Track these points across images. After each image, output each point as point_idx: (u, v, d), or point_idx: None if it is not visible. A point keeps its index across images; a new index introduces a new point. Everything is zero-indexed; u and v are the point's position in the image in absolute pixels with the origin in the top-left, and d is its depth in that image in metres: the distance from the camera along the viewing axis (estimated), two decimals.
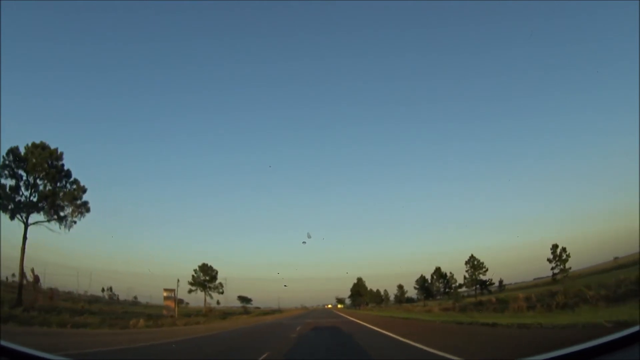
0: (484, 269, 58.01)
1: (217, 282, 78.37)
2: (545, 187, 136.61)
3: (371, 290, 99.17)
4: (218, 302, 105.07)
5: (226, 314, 77.93)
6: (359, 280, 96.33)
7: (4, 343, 3.31)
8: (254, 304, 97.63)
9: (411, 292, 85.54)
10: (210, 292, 77.84)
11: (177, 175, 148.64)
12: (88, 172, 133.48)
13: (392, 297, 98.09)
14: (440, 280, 65.85)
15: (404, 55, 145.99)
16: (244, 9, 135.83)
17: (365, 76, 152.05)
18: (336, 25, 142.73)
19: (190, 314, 65.38)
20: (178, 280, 52.05)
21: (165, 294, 54.88)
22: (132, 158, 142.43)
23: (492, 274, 56.92)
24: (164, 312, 52.99)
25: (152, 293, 78.37)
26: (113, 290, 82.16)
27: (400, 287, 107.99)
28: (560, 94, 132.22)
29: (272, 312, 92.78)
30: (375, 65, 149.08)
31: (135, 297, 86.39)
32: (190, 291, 77.46)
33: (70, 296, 65.07)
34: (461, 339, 11.96)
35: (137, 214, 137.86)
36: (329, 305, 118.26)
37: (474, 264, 58.16)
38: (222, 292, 78.46)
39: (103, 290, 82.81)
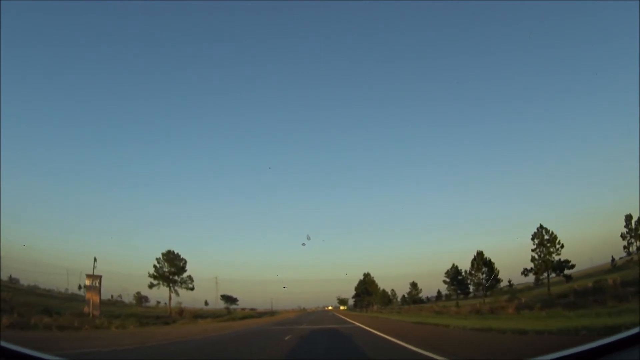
0: (559, 245, 40.32)
1: (186, 275, 61.12)
2: (543, 189, 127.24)
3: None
4: (206, 303, 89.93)
5: (198, 316, 60.71)
6: (367, 276, 78.84)
7: (4, 344, 3.31)
8: (248, 305, 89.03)
9: (430, 288, 71.70)
10: (176, 287, 60.61)
11: (174, 178, 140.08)
12: (86, 174, 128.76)
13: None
14: (482, 270, 48.09)
15: (404, 58, 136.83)
16: (242, 11, 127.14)
17: (369, 76, 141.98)
18: (335, 28, 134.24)
19: (145, 316, 48.44)
20: (95, 260, 34.52)
21: (87, 281, 37.23)
22: (130, 160, 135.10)
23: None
24: (85, 309, 35.76)
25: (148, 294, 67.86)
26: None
27: (414, 285, 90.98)
28: (561, 95, 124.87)
29: (259, 315, 74.92)
30: (379, 68, 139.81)
31: (120, 296, 77.08)
32: (151, 286, 60.14)
33: (48, 294, 59.70)
34: None
35: (136, 217, 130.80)
36: (330, 307, 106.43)
37: (543, 240, 40.46)
38: (192, 288, 61.15)
39: (80, 287, 71.26)
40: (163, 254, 60.61)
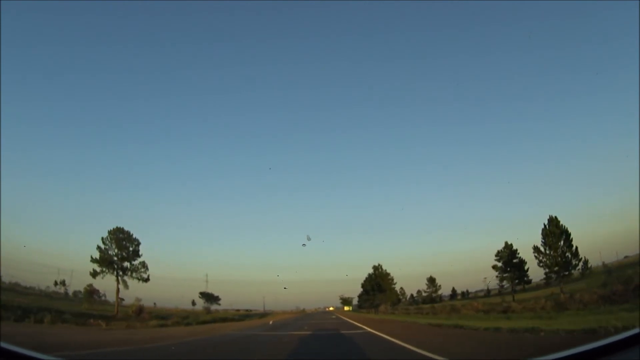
0: None
1: (139, 261, 45.81)
2: (543, 189, 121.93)
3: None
4: (194, 303, 76.02)
5: (159, 318, 45.82)
6: (377, 269, 63.42)
7: (4, 345, 3.24)
8: (244, 306, 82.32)
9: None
10: (126, 277, 45.34)
11: (175, 178, 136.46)
12: (86, 174, 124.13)
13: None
14: (562, 245, 32.11)
15: (404, 58, 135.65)
16: (242, 11, 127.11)
17: (369, 76, 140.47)
18: (335, 28, 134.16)
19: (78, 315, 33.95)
20: None
21: None
22: (129, 160, 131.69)
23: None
24: None
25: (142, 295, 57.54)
26: (66, 284, 65.51)
27: (432, 280, 75.96)
28: (561, 95, 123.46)
29: (242, 317, 59.66)
30: (379, 68, 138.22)
31: (105, 295, 66.41)
32: (94, 274, 44.70)
33: (26, 291, 55.74)
34: None
35: (135, 217, 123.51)
36: (331, 308, 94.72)
37: None
38: (147, 279, 45.68)
39: (56, 284, 66.05)
40: (110, 232, 45.49)
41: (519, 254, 38.65)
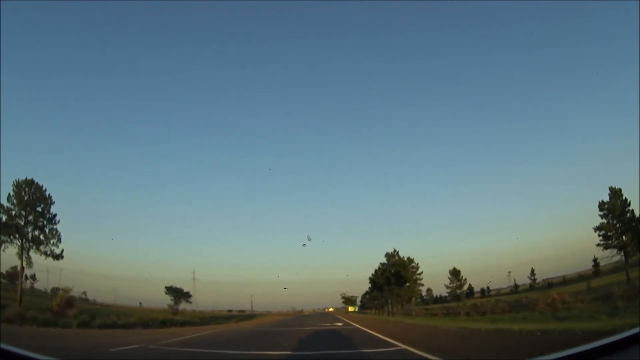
0: None
1: (52, 227, 31.13)
2: (543, 189, 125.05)
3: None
4: (174, 300, 62.70)
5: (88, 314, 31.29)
6: (393, 256, 49.20)
7: (4, 345, 3.24)
8: (238, 307, 77.19)
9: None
10: (36, 249, 30.72)
11: (175, 179, 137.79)
12: (85, 175, 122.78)
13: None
14: None
15: (404, 58, 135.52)
16: (242, 11, 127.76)
17: (369, 76, 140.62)
18: (335, 28, 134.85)
19: None
20: None
21: None
22: (130, 161, 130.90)
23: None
24: None
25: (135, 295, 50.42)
26: (36, 278, 57.93)
27: (455, 273, 62.54)
28: (561, 95, 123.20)
29: (206, 321, 45.30)
30: (379, 68, 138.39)
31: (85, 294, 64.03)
32: None
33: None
34: None
35: (135, 218, 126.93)
36: (331, 309, 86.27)
37: None
38: (59, 256, 30.30)
39: (26, 278, 55.78)
40: (15, 184, 30.80)
41: (630, 204, 24.45)
